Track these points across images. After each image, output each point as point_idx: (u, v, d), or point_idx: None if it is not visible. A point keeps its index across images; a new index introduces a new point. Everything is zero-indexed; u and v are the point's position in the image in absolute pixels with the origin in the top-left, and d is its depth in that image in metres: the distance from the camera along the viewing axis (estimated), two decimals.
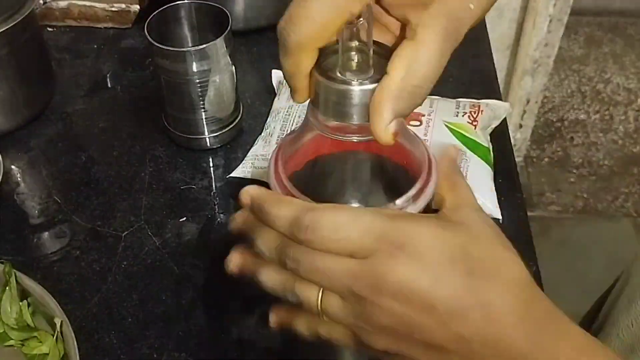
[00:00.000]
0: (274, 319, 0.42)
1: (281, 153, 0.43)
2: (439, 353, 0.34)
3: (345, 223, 0.34)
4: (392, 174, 0.47)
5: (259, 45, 0.86)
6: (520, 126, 1.68)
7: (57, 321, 0.51)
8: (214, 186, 0.69)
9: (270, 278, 0.39)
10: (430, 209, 0.41)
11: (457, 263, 0.34)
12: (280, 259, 0.38)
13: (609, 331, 0.50)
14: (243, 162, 0.68)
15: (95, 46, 0.87)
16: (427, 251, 0.34)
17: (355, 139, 0.39)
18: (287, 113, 0.70)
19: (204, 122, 0.69)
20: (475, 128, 0.67)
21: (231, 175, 0.68)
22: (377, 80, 0.36)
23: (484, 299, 0.33)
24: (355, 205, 0.42)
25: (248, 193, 0.39)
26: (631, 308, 0.48)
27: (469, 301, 0.33)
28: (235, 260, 0.41)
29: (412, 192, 0.40)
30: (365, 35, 0.36)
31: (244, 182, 0.69)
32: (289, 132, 0.67)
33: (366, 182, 0.50)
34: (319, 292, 0.37)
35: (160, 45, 0.64)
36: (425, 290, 0.33)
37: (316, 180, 0.48)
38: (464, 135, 0.66)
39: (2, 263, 0.54)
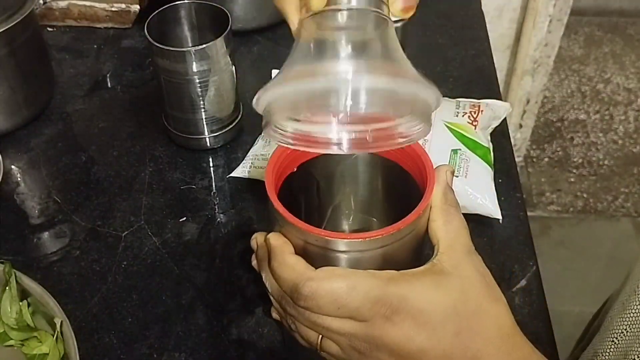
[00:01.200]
0: (274, 315, 0.45)
1: (277, 156, 0.43)
2: None
3: (342, 293, 0.37)
4: (387, 173, 0.47)
5: (259, 45, 0.86)
6: (520, 126, 1.68)
7: (57, 321, 0.51)
8: (214, 186, 0.69)
9: (275, 310, 0.44)
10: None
11: (448, 323, 0.37)
12: (281, 305, 0.41)
13: (604, 335, 0.50)
14: (243, 162, 0.68)
15: (95, 46, 0.87)
16: (420, 314, 0.37)
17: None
18: None
19: (204, 122, 0.69)
20: (475, 128, 0.67)
21: (231, 175, 0.68)
22: None
23: (470, 354, 0.37)
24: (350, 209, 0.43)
25: (256, 240, 0.43)
26: (625, 314, 0.48)
27: (457, 357, 0.37)
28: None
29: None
30: None
31: (244, 181, 0.69)
32: None
33: (361, 182, 0.50)
34: (318, 336, 0.40)
35: (160, 45, 0.64)
36: (419, 350, 0.37)
37: (311, 180, 0.49)
38: (464, 135, 0.66)
39: (2, 263, 0.54)
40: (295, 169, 0.45)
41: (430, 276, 0.38)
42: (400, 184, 0.45)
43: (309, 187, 0.49)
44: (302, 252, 0.41)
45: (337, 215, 0.52)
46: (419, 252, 0.44)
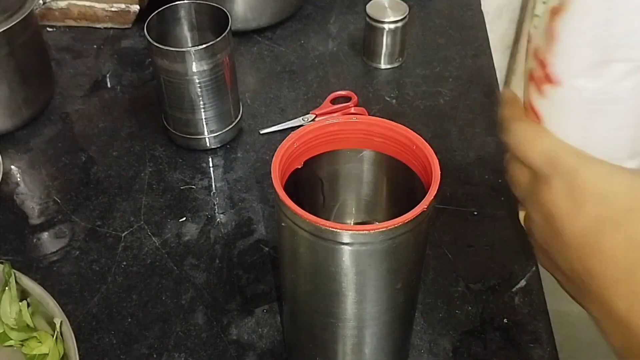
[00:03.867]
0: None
1: (284, 150, 0.43)
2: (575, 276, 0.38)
3: (527, 140, 0.39)
4: (392, 172, 0.47)
5: (259, 45, 0.86)
6: None
7: (57, 321, 0.51)
8: (214, 186, 0.69)
9: None
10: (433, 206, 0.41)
11: (594, 208, 0.36)
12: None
13: None
14: None
15: (95, 46, 0.87)
16: (575, 189, 0.37)
17: None
18: None
19: (204, 122, 0.69)
20: None
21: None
22: None
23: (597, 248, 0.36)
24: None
25: (505, 96, 0.43)
26: None
27: (586, 247, 0.36)
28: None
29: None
30: None
31: (244, 182, 0.69)
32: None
33: (366, 181, 0.50)
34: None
35: (160, 45, 0.64)
36: (562, 215, 0.38)
37: (316, 178, 0.49)
38: None
39: (2, 263, 0.54)
40: (301, 165, 0.45)
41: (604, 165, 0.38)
42: (405, 183, 0.45)
43: (314, 184, 0.49)
44: (308, 244, 0.41)
45: (342, 213, 0.52)
46: (422, 249, 0.44)
